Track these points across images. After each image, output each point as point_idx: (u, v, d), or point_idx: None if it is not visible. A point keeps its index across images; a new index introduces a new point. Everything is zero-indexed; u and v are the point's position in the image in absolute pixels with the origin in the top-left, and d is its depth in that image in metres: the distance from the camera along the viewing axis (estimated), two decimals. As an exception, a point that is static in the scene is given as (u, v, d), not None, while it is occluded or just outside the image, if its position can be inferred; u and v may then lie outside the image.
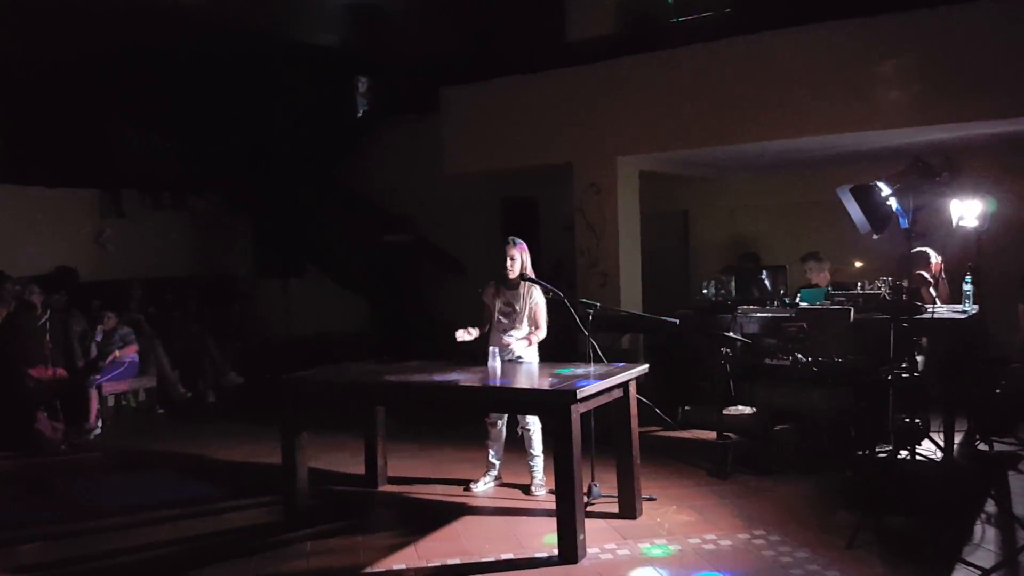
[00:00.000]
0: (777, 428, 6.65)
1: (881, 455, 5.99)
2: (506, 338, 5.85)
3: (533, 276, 5.88)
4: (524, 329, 5.89)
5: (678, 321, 7.02)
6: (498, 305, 5.91)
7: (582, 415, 4.81)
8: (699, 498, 5.67)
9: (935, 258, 7.56)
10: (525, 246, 5.93)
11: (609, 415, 5.38)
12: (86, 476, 6.91)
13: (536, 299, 5.89)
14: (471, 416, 6.68)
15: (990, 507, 5.24)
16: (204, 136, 11.28)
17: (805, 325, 6.59)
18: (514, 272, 5.84)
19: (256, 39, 8.97)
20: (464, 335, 5.83)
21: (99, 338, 8.77)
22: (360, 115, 11.20)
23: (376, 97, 11.12)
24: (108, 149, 10.77)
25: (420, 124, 10.77)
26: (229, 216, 12.24)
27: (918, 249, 7.44)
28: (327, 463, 6.72)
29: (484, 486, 6.03)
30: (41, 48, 8.92)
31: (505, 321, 5.89)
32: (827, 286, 7.54)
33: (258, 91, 10.66)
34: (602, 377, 5.03)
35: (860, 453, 6.25)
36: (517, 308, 5.88)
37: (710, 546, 4.81)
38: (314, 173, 11.94)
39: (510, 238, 5.94)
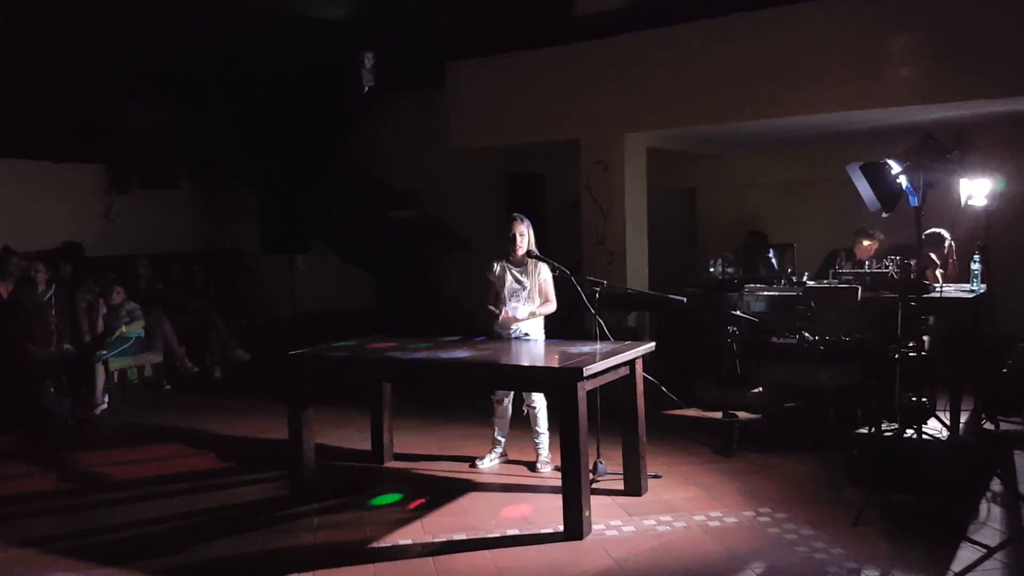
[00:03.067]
0: (783, 406, 6.65)
1: (887, 433, 5.99)
2: (515, 314, 5.85)
3: (538, 253, 5.87)
4: (533, 306, 5.88)
5: (685, 299, 7.01)
6: (507, 283, 5.89)
7: (588, 392, 4.82)
8: (705, 475, 5.69)
9: (949, 240, 7.51)
10: (530, 223, 5.91)
11: (615, 392, 5.38)
12: (93, 451, 6.94)
13: (544, 275, 5.88)
14: (477, 393, 6.69)
15: (995, 486, 5.26)
16: (210, 111, 11.23)
17: (812, 303, 6.57)
18: (522, 248, 5.83)
19: (262, 12, 8.90)
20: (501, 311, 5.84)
21: (103, 311, 8.77)
22: (366, 89, 11.13)
23: (382, 71, 11.04)
24: (114, 124, 10.73)
25: (426, 99, 10.72)
26: (235, 191, 12.21)
27: (932, 230, 7.41)
28: (334, 439, 6.75)
29: (490, 463, 6.04)
30: (46, 22, 8.87)
31: (513, 299, 5.88)
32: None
33: (264, 65, 10.59)
34: (609, 355, 5.03)
35: (866, 431, 6.25)
36: (526, 285, 5.87)
37: (715, 523, 4.83)
38: (320, 148, 11.89)
39: (516, 215, 5.92)
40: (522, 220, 5.86)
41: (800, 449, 6.12)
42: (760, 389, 7.04)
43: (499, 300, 5.91)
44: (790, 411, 6.61)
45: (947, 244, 7.47)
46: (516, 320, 5.85)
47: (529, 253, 5.83)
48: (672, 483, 5.53)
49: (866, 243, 7.54)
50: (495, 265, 5.95)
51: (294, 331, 9.74)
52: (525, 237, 5.83)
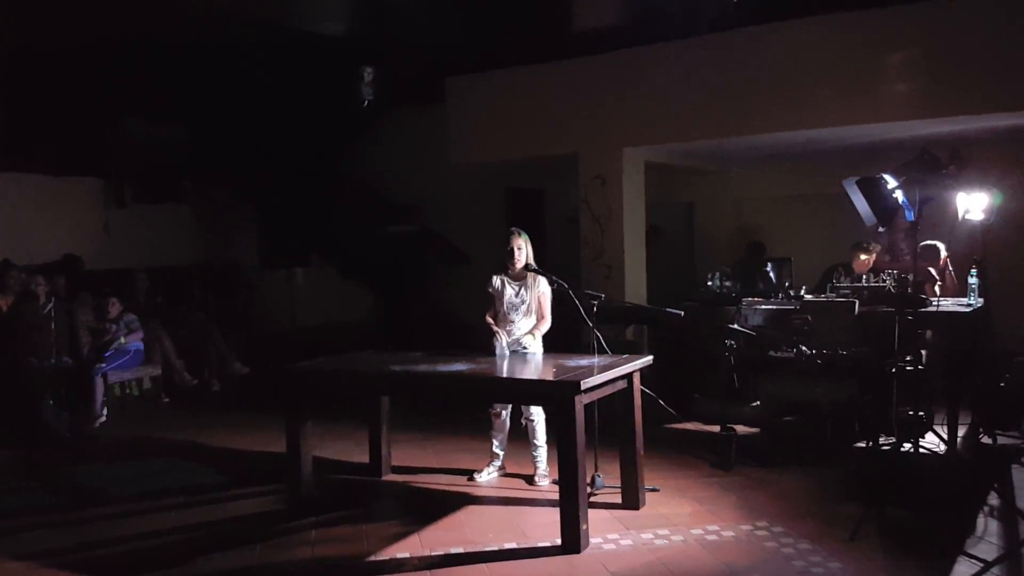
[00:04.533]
0: (781, 420, 6.65)
1: (884, 448, 6.00)
2: (513, 329, 5.86)
3: (536, 267, 5.88)
4: (531, 320, 5.90)
5: (683, 313, 7.02)
6: (505, 296, 5.91)
7: (586, 406, 4.82)
8: (702, 489, 5.68)
9: (944, 252, 7.53)
10: (528, 237, 5.93)
11: (613, 406, 5.39)
12: (91, 464, 6.94)
13: (542, 289, 5.89)
14: (475, 406, 6.70)
15: (993, 500, 5.24)
16: (210, 126, 11.28)
17: (810, 317, 6.58)
18: (520, 262, 5.85)
19: (262, 27, 8.95)
20: (502, 337, 5.80)
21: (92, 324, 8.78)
22: (365, 105, 11.19)
23: (382, 87, 11.10)
24: (114, 138, 10.78)
25: (426, 114, 10.77)
26: (234, 206, 12.25)
27: (928, 243, 7.42)
28: (332, 452, 6.75)
29: (488, 476, 6.04)
30: (47, 36, 8.92)
31: (512, 313, 5.89)
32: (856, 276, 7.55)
33: (264, 80, 10.65)
34: (606, 368, 5.05)
35: (863, 445, 6.26)
36: (524, 299, 5.88)
37: (713, 537, 4.82)
38: (319, 163, 11.94)
39: (514, 229, 5.94)
40: (519, 234, 5.88)
41: (797, 463, 6.11)
42: (758, 403, 7.04)
43: (498, 315, 5.93)
44: (788, 425, 6.61)
45: (943, 258, 7.48)
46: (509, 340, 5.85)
47: (528, 267, 5.85)
48: (670, 497, 5.53)
49: (863, 257, 7.56)
50: (494, 279, 5.97)
51: (293, 345, 9.76)
52: (523, 251, 5.85)
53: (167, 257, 11.44)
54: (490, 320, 5.93)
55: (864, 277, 7.22)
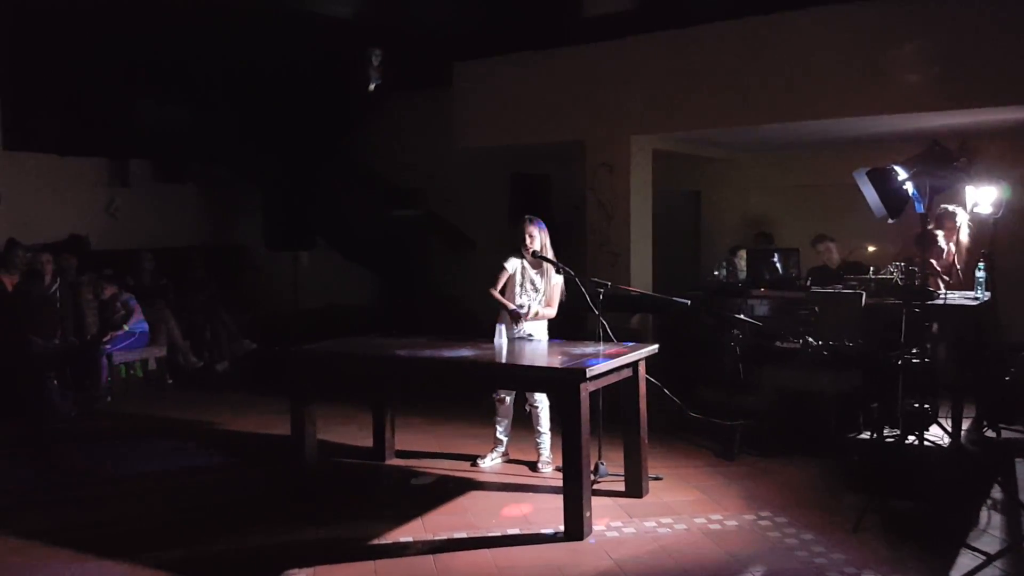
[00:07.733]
0: (785, 411, 6.65)
1: (889, 439, 5.99)
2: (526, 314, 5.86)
3: (543, 254, 5.85)
4: (540, 307, 5.89)
5: (689, 302, 7.01)
6: (525, 281, 5.89)
7: (591, 394, 4.82)
8: (706, 478, 5.69)
9: (943, 243, 7.45)
10: (544, 225, 5.89)
11: (617, 394, 5.38)
12: (95, 443, 6.96)
13: (555, 280, 5.89)
14: (480, 392, 6.70)
15: (996, 493, 5.27)
16: (216, 107, 11.24)
17: (816, 308, 6.57)
18: (531, 250, 5.82)
19: (268, 7, 8.91)
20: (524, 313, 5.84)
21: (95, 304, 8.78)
22: (372, 88, 11.15)
23: (388, 70, 11.05)
24: (120, 118, 10.75)
25: (432, 98, 10.73)
26: (240, 187, 12.23)
27: (944, 207, 7.33)
28: (336, 435, 6.76)
29: (491, 462, 6.05)
30: (52, 14, 8.88)
31: (525, 299, 5.88)
32: (837, 267, 7.52)
33: (269, 62, 10.60)
34: (612, 356, 5.04)
35: (868, 437, 6.25)
36: (540, 287, 5.87)
37: (716, 526, 4.83)
38: (325, 146, 11.90)
39: (527, 216, 5.91)
40: (532, 222, 5.85)
41: (801, 454, 6.12)
42: (763, 393, 7.03)
43: (508, 296, 5.90)
44: (792, 416, 6.60)
45: (958, 227, 7.33)
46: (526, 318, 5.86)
47: (534, 254, 5.83)
48: (673, 486, 5.54)
49: (819, 247, 7.61)
50: (513, 260, 5.90)
51: (297, 327, 9.77)
52: (536, 239, 5.82)
53: (173, 238, 11.44)
54: (499, 297, 5.88)
55: (874, 270, 7.18)
